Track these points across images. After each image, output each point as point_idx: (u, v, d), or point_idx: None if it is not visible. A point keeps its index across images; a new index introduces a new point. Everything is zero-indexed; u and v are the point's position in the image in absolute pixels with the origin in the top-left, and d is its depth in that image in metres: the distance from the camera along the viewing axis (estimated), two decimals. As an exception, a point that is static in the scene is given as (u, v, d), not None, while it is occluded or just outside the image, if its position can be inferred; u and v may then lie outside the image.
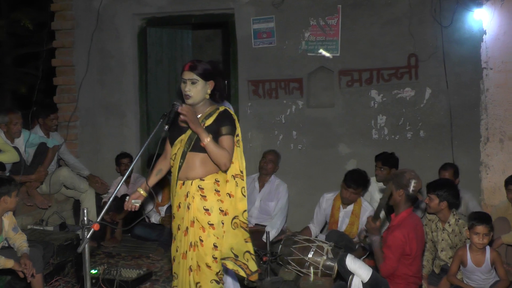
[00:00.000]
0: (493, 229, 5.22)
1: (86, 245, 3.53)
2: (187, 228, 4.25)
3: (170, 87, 8.96)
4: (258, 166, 7.41)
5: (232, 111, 4.42)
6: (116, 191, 3.87)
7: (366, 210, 6.55)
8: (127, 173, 4.10)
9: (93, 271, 5.73)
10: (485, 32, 7.32)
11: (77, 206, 7.75)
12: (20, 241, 5.23)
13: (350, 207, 6.60)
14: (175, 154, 4.30)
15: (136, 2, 8.39)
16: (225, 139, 4.22)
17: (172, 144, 4.35)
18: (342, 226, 6.60)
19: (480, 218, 5.14)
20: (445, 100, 7.49)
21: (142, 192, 4.43)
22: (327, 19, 7.76)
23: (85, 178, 7.60)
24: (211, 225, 4.22)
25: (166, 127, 4.03)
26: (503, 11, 7.25)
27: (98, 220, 3.55)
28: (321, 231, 6.94)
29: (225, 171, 4.31)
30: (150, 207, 7.20)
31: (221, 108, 4.31)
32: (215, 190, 4.27)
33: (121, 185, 3.88)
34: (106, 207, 3.74)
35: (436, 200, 5.45)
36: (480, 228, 5.06)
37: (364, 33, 7.71)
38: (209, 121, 4.22)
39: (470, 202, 6.60)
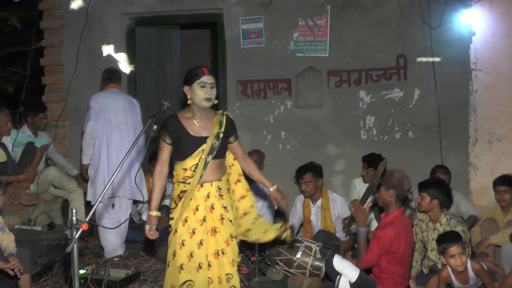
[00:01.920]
0: (465, 245, 4.98)
1: (75, 245, 3.52)
2: (214, 228, 4.46)
3: (158, 86, 8.94)
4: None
5: None
6: (105, 191, 3.85)
7: (335, 200, 6.60)
8: (115, 173, 4.08)
9: (81, 271, 5.72)
10: (474, 34, 7.36)
11: (65, 206, 7.71)
12: (7, 241, 5.18)
13: (319, 202, 6.62)
14: (197, 164, 4.41)
15: (125, 2, 8.37)
16: (239, 143, 4.67)
17: (188, 155, 4.42)
18: (318, 222, 6.61)
19: (449, 239, 4.90)
20: (434, 101, 7.51)
21: (156, 213, 4.43)
22: (316, 20, 7.77)
23: (73, 178, 7.57)
24: (230, 221, 4.55)
25: (155, 127, 4.05)
26: (492, 13, 7.29)
27: (86, 220, 3.54)
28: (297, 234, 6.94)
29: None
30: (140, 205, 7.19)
31: (225, 112, 4.59)
32: (227, 189, 4.63)
33: (109, 185, 3.86)
34: (94, 206, 3.73)
35: (428, 198, 5.45)
36: (454, 249, 4.81)
37: (353, 33, 7.73)
38: (223, 128, 4.50)
39: (461, 202, 6.62)
